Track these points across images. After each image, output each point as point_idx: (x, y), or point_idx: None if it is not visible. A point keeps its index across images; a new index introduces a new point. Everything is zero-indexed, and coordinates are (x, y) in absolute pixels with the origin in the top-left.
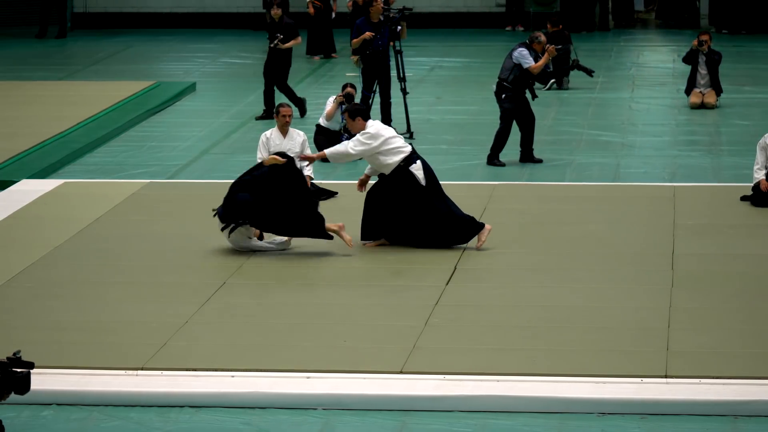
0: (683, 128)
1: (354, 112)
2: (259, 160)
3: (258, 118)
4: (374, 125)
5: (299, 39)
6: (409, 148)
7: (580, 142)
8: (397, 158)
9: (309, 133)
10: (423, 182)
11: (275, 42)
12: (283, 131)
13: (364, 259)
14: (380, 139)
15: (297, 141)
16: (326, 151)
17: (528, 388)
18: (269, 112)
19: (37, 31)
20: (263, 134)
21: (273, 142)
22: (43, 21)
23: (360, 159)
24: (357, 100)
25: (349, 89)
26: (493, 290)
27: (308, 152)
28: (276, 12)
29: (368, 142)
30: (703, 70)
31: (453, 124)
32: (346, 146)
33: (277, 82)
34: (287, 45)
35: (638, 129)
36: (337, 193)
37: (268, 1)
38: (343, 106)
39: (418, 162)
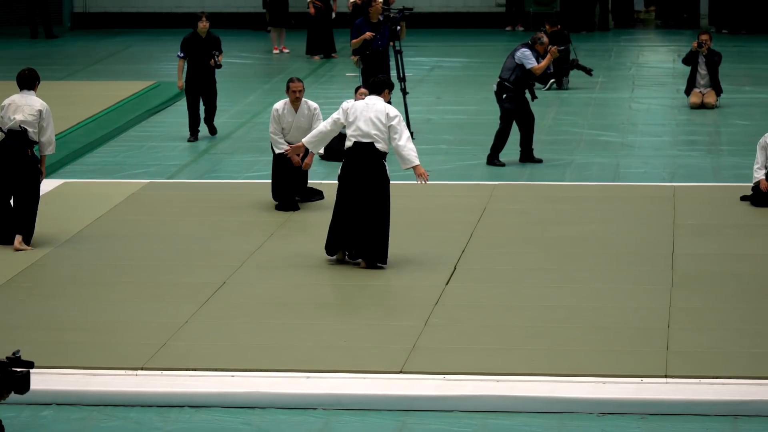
0: (683, 128)
1: (383, 84)
2: (272, 133)
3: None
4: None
5: (222, 55)
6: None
7: (579, 142)
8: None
9: None
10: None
11: (214, 60)
12: (295, 106)
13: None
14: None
15: (307, 115)
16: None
17: (528, 388)
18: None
19: (29, 31)
20: (274, 107)
21: (285, 118)
22: (31, 22)
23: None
24: None
25: (362, 90)
26: (493, 290)
27: (320, 122)
28: (204, 25)
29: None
30: (702, 70)
31: (453, 124)
32: (407, 140)
33: (211, 99)
34: (221, 58)
35: (638, 129)
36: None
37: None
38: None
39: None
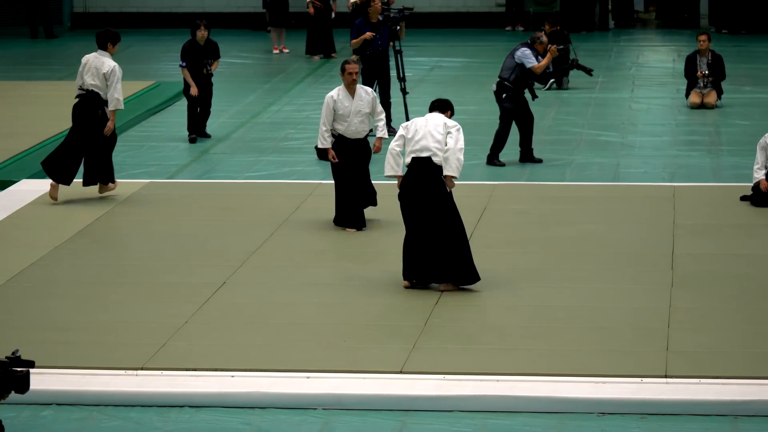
0: (683, 128)
1: (448, 104)
2: (322, 125)
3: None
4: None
5: (218, 62)
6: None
7: (579, 141)
8: None
9: (316, 135)
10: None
11: (206, 69)
12: (351, 90)
13: (364, 260)
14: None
15: (366, 100)
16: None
17: (528, 388)
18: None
19: (29, 31)
20: (329, 95)
21: (341, 103)
22: (31, 22)
23: None
24: None
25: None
26: (493, 290)
27: (379, 108)
28: (203, 34)
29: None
30: (704, 69)
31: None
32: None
33: (206, 104)
34: (214, 67)
35: (638, 129)
36: None
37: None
38: None
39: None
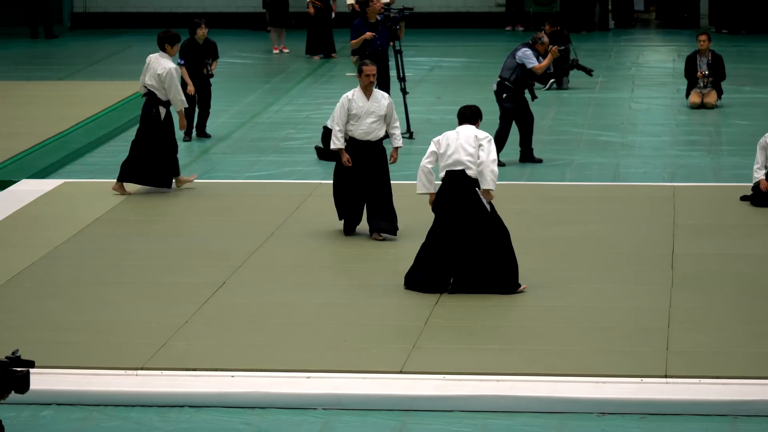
0: (683, 128)
1: (477, 114)
2: (336, 124)
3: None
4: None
5: (216, 63)
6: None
7: (579, 141)
8: None
9: (316, 135)
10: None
11: (206, 69)
12: (367, 92)
13: (365, 259)
14: None
15: (382, 103)
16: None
17: (528, 388)
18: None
19: (29, 31)
20: (345, 96)
21: (356, 103)
22: (31, 22)
23: None
24: None
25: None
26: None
27: (395, 116)
28: (203, 32)
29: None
30: (705, 69)
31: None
32: (492, 161)
33: (205, 104)
34: (213, 68)
35: (638, 129)
36: None
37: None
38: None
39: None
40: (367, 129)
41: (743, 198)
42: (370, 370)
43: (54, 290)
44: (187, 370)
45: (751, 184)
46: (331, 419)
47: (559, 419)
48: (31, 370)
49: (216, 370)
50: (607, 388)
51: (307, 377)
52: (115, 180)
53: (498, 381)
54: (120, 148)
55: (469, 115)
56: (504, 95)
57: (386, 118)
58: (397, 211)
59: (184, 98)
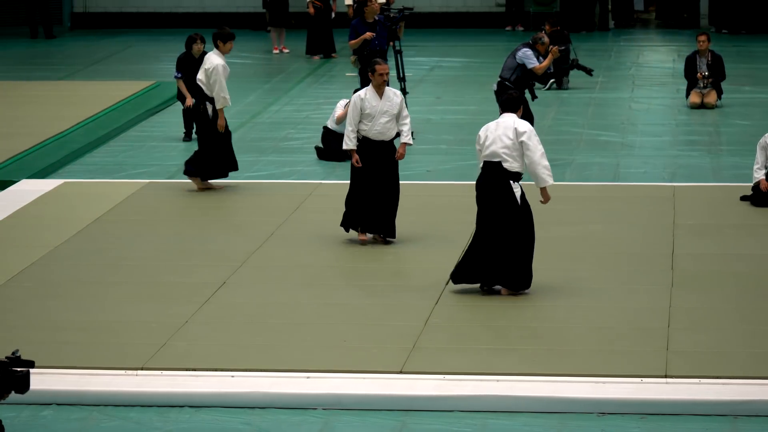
0: (683, 128)
1: (517, 101)
2: (348, 124)
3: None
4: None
5: None
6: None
7: (579, 141)
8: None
9: (316, 135)
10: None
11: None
12: (380, 91)
13: (364, 259)
14: None
15: (395, 102)
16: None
17: (528, 388)
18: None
19: (29, 31)
20: (357, 95)
21: (368, 103)
22: (31, 22)
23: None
24: None
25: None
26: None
27: (405, 113)
28: (199, 48)
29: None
30: (704, 70)
31: (453, 124)
32: (541, 156)
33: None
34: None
35: (638, 129)
36: None
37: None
38: None
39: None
40: (382, 129)
41: (743, 198)
42: (370, 370)
43: (54, 290)
44: (187, 370)
45: (751, 184)
46: (331, 419)
47: (559, 419)
48: (31, 370)
49: (216, 370)
50: (607, 388)
51: (307, 377)
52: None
53: (498, 381)
54: (120, 148)
55: (510, 103)
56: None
57: (397, 115)
58: (399, 211)
59: (227, 96)
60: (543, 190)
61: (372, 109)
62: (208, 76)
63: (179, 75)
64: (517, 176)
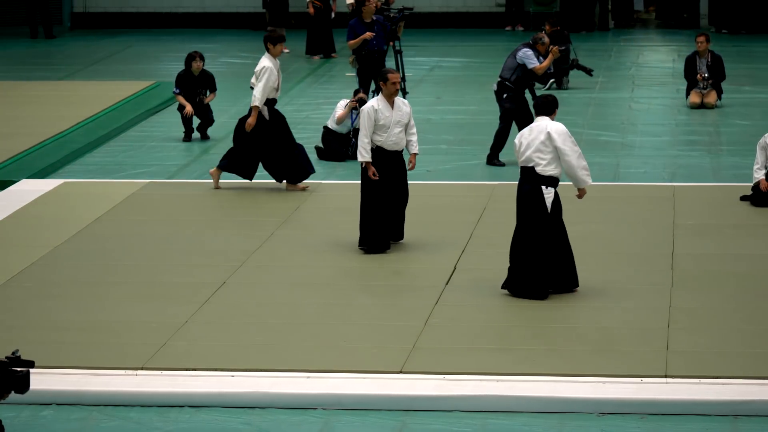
0: (683, 128)
1: (552, 104)
2: (363, 137)
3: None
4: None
5: (215, 94)
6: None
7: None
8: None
9: (316, 135)
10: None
11: (199, 98)
12: (391, 101)
13: (364, 259)
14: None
15: (405, 111)
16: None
17: (528, 388)
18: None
19: (29, 31)
20: (369, 105)
21: (382, 114)
22: (31, 22)
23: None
24: None
25: (361, 95)
26: (493, 290)
27: (413, 122)
28: (198, 66)
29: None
30: (704, 71)
31: (453, 124)
32: (578, 157)
33: (206, 121)
34: (208, 99)
35: (638, 129)
36: None
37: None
38: (355, 112)
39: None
40: (396, 139)
41: (743, 198)
42: (370, 370)
43: (54, 290)
44: (187, 370)
45: (751, 184)
46: (331, 419)
47: (559, 419)
48: (31, 370)
49: (216, 370)
50: (607, 388)
51: (307, 377)
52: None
53: (498, 381)
54: (120, 148)
55: (545, 106)
56: (504, 95)
57: (406, 125)
58: None
59: (261, 97)
60: (581, 191)
61: (386, 120)
62: (258, 77)
63: (177, 91)
64: (551, 180)
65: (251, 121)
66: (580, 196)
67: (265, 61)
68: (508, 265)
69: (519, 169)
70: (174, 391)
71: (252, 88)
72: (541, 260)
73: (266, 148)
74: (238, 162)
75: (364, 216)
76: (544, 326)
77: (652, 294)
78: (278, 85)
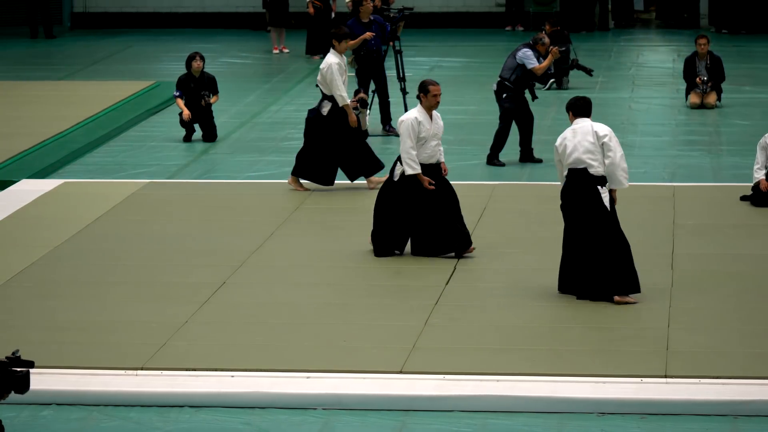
0: (683, 128)
1: (590, 106)
2: (410, 149)
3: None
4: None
5: (217, 96)
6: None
7: None
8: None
9: None
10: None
11: (204, 100)
12: (430, 113)
13: (364, 259)
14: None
15: (440, 125)
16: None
17: (528, 388)
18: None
19: (29, 31)
20: (411, 117)
21: (424, 126)
22: (32, 22)
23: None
24: None
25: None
26: (493, 290)
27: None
28: (198, 65)
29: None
30: (703, 74)
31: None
32: (621, 158)
33: (210, 132)
34: (213, 101)
35: (638, 129)
36: None
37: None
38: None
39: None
40: (431, 152)
41: (743, 198)
42: (370, 370)
43: (54, 290)
44: (187, 370)
45: (751, 184)
46: (331, 419)
47: (559, 419)
48: (31, 370)
49: (216, 370)
50: (607, 388)
51: (307, 377)
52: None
53: (498, 381)
54: (120, 148)
55: (585, 107)
56: (504, 95)
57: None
58: None
59: (344, 95)
60: (613, 192)
61: (426, 132)
62: (323, 76)
63: (179, 94)
64: (603, 180)
65: (351, 119)
66: (613, 198)
67: (330, 58)
68: (560, 269)
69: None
70: (174, 391)
71: (317, 86)
72: (610, 259)
73: (341, 147)
74: (314, 168)
75: (380, 234)
76: (544, 326)
77: (652, 294)
78: (344, 81)
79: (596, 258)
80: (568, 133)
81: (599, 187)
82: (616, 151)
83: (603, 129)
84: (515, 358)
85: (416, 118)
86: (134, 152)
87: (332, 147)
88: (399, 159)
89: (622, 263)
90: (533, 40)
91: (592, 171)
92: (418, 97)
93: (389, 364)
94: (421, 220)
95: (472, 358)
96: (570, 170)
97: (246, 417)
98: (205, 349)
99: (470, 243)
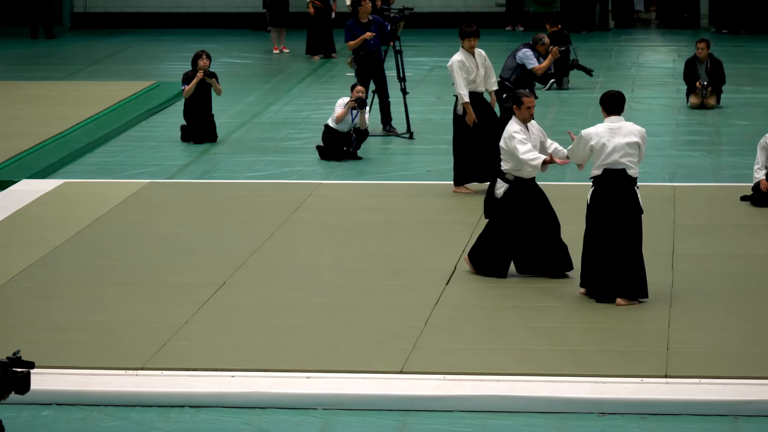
0: (683, 128)
1: (623, 101)
2: (528, 152)
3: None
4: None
5: (220, 87)
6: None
7: None
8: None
9: (316, 135)
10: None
11: (207, 78)
12: (526, 125)
13: (364, 259)
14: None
15: (537, 136)
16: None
17: (528, 388)
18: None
19: (29, 31)
20: (515, 129)
21: (529, 139)
22: (32, 22)
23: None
24: None
25: (359, 92)
26: (493, 290)
27: (548, 140)
28: (204, 63)
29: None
30: (704, 77)
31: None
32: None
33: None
34: (217, 87)
35: None
36: None
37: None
38: (354, 111)
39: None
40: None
41: (743, 198)
42: (370, 370)
43: (54, 290)
44: (187, 370)
45: (751, 184)
46: (331, 419)
47: (559, 419)
48: (32, 371)
49: (216, 370)
50: (607, 388)
51: (307, 377)
52: None
53: (498, 381)
54: (120, 148)
55: (620, 104)
56: (504, 95)
57: (542, 144)
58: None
59: (464, 93)
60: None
61: (532, 141)
62: (450, 73)
63: (185, 86)
64: (637, 182)
65: (468, 118)
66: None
67: (455, 56)
68: (584, 271)
69: (603, 171)
70: (174, 391)
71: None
72: (641, 259)
73: (483, 143)
74: (468, 169)
75: (505, 250)
76: (544, 326)
77: (652, 294)
78: (475, 77)
79: (630, 258)
80: (602, 131)
81: (636, 189)
82: (643, 152)
83: (642, 130)
84: (515, 358)
85: (521, 128)
86: (134, 152)
87: (466, 143)
88: (501, 175)
89: (641, 267)
90: (533, 40)
91: (630, 172)
92: (510, 107)
93: (389, 364)
94: (527, 237)
95: (472, 358)
96: (606, 171)
97: (246, 417)
98: (205, 349)
99: (572, 265)
